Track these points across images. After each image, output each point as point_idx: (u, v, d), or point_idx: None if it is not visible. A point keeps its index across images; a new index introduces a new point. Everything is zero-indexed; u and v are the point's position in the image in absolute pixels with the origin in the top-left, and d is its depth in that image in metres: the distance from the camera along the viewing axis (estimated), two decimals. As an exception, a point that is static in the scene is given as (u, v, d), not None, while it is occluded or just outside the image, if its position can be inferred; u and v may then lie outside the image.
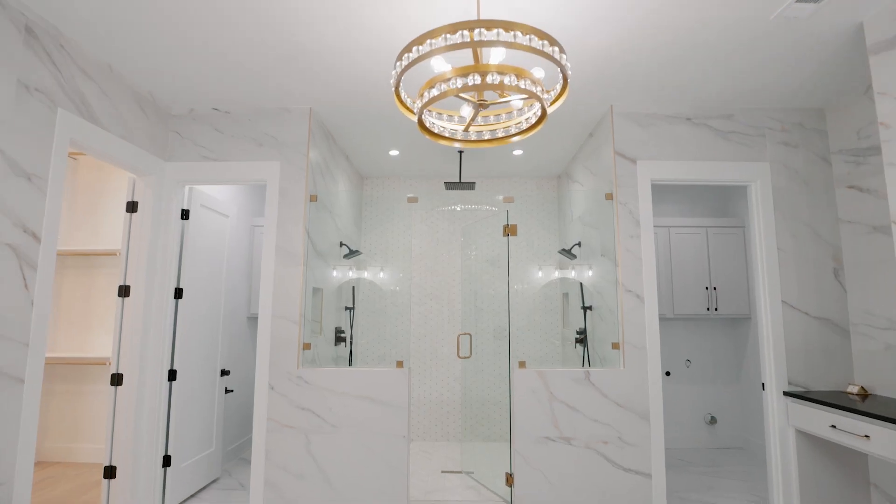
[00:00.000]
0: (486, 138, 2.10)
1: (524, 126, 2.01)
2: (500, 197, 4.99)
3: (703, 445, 4.51)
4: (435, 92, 1.68)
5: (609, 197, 3.17)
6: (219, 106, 3.22)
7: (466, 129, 2.07)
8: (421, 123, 1.96)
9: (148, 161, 2.99)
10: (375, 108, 3.26)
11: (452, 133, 2.09)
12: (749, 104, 3.18)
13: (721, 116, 3.22)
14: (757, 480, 3.67)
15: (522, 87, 1.63)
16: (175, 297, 3.16)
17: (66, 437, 4.05)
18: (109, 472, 2.85)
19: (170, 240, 3.12)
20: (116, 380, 2.90)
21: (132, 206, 3.04)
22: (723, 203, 4.80)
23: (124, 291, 2.96)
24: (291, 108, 3.22)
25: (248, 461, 4.10)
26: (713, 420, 4.50)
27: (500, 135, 2.09)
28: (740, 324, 4.53)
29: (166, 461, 3.04)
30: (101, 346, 4.09)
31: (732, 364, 4.60)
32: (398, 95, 1.86)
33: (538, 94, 1.68)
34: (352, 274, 4.65)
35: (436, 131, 2.03)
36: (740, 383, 4.55)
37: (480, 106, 1.86)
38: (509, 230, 3.24)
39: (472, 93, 1.93)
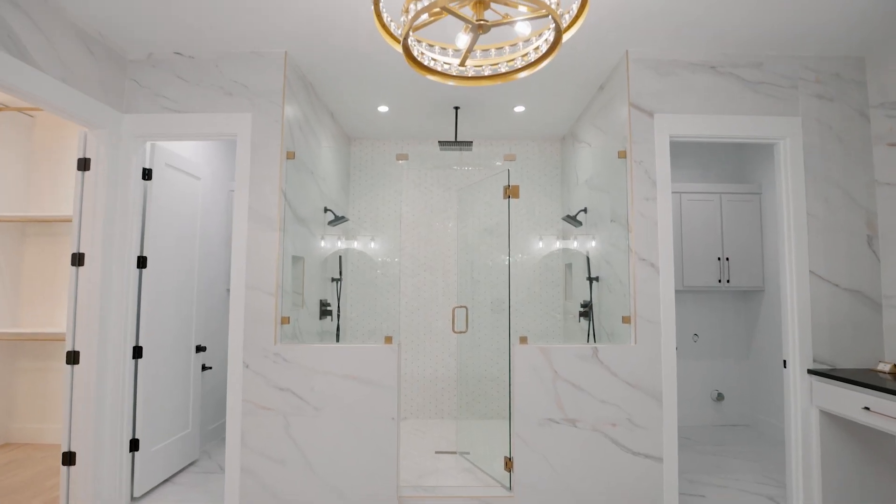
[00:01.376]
0: (486, 74, 1.75)
1: (532, 58, 1.67)
2: (499, 163, 4.64)
3: (710, 423, 4.31)
4: (424, 3, 1.34)
5: (622, 155, 2.84)
6: (181, 50, 2.83)
7: (463, 63, 1.72)
8: (408, 53, 1.61)
9: (99, 111, 2.62)
10: (357, 47, 2.87)
11: (447, 68, 1.74)
12: (781, 51, 2.82)
13: (749, 65, 2.86)
14: (768, 460, 3.47)
15: (534, -5, 1.28)
16: (138, 267, 2.84)
17: (34, 418, 3.78)
18: (68, 459, 2.59)
19: (129, 202, 2.77)
20: (72, 358, 2.61)
21: (84, 164, 2.69)
22: (738, 168, 4.47)
23: (78, 260, 2.64)
24: (264, 52, 2.84)
25: (230, 441, 3.86)
26: (720, 397, 4.29)
27: (503, 70, 1.74)
28: (752, 297, 4.27)
29: (134, 445, 2.78)
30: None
31: (742, 339, 4.36)
32: (378, 13, 1.50)
33: (552, 7, 1.34)
34: (341, 244, 4.34)
35: (426, 63, 1.69)
36: (749, 359, 4.33)
37: (480, 28, 1.51)
38: (510, 192, 2.91)
39: (469, 11, 1.58)
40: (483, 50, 1.83)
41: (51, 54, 2.32)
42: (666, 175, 2.76)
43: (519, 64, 1.70)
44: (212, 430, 3.82)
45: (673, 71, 2.84)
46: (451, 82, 1.75)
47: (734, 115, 2.83)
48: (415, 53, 1.64)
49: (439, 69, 1.71)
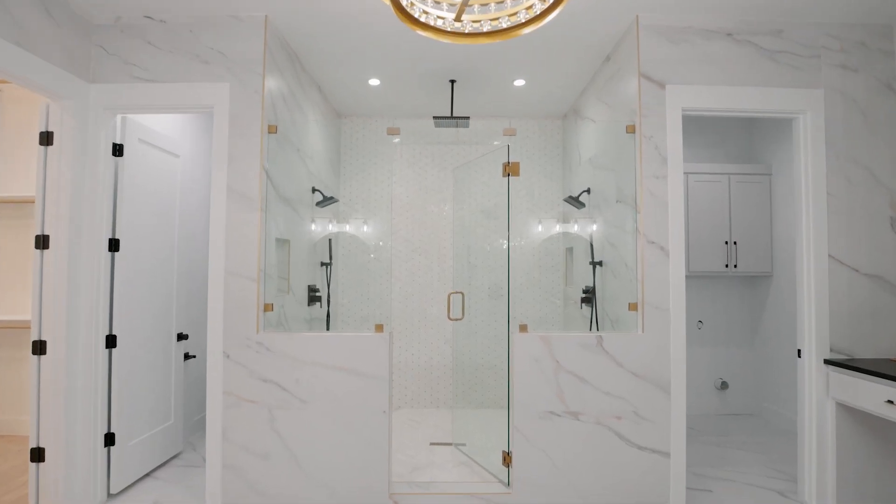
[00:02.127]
0: (485, 30, 1.55)
1: (538, 10, 1.46)
2: (497, 142, 4.41)
3: (714, 412, 4.19)
4: (411, -65, 1.13)
5: (630, 129, 2.64)
6: (152, 13, 2.59)
7: (459, 19, 1.51)
8: (396, 3, 1.40)
9: (62, 80, 2.40)
10: (342, 9, 2.64)
11: (441, 24, 1.53)
12: (803, 17, 2.61)
13: (769, 32, 2.65)
14: (774, 451, 3.35)
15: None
16: (110, 250, 2.64)
17: (11, 409, 3.61)
18: (37, 455, 2.42)
19: (98, 180, 2.56)
20: (39, 348, 2.42)
21: (46, 138, 2.47)
22: (748, 147, 4.27)
23: (42, 242, 2.44)
24: (242, 16, 2.60)
25: (216, 432, 3.70)
26: (724, 385, 4.16)
27: (504, 26, 1.53)
28: (759, 282, 4.11)
29: (109, 439, 2.62)
30: (43, 306, 3.59)
31: (747, 326, 4.21)
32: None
33: (565, -59, 1.13)
34: (332, 227, 4.14)
35: (416, 16, 1.47)
36: (755, 347, 4.19)
37: (479, -28, 1.31)
38: (510, 169, 2.71)
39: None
40: (482, 4, 1.61)
41: (3, 16, 2.08)
42: (678, 151, 2.56)
43: (522, 18, 1.49)
44: (197, 422, 3.66)
45: (686, 38, 2.63)
46: (445, 39, 1.54)
47: (752, 86, 2.63)
48: (403, 3, 1.43)
49: (432, 23, 1.50)
